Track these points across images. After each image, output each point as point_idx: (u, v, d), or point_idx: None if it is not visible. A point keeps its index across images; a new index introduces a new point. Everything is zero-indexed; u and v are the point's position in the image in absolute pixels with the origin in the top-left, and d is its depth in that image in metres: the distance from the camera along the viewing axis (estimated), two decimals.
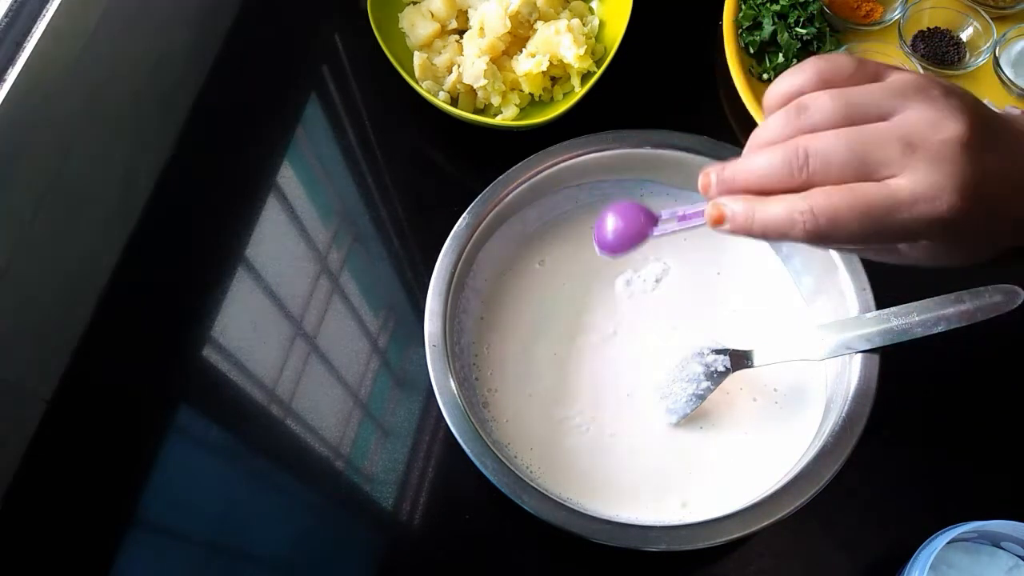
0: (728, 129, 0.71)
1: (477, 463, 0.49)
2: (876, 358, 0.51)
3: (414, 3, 0.74)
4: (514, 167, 0.58)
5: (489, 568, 0.56)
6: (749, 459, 0.54)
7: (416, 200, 0.70)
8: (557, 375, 0.57)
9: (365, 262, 0.67)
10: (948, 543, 0.49)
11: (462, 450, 0.49)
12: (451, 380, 0.52)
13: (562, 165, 0.59)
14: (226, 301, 0.65)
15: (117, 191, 0.67)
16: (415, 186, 0.70)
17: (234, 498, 0.59)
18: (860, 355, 0.51)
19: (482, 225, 0.57)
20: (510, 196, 0.58)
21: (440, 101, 0.68)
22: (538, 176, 0.59)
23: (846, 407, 0.50)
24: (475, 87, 0.68)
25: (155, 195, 0.69)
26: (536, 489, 0.49)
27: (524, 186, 0.59)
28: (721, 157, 0.58)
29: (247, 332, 0.64)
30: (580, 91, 0.69)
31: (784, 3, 0.73)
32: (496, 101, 0.69)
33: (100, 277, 0.65)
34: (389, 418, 0.60)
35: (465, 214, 0.57)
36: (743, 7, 0.74)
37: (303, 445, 0.60)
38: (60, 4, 0.59)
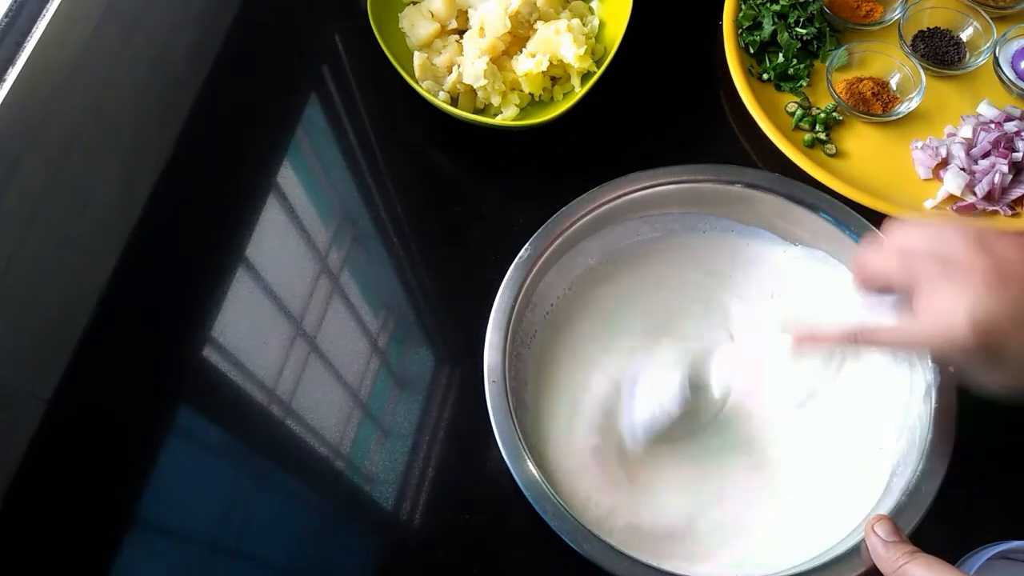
0: (728, 129, 0.71)
1: (537, 507, 0.49)
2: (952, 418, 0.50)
3: (414, 3, 0.74)
4: (577, 199, 0.58)
5: (489, 568, 0.56)
6: (810, 512, 0.52)
7: (416, 200, 0.70)
8: (611, 411, 0.56)
9: (365, 262, 0.67)
10: (989, 559, 0.48)
11: (463, 450, 0.49)
12: (511, 418, 0.51)
13: (626, 198, 0.58)
14: (226, 301, 0.65)
15: (117, 191, 0.67)
16: (415, 186, 0.70)
17: (234, 498, 0.59)
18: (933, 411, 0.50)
19: (543, 256, 0.57)
20: (572, 228, 0.57)
21: (440, 101, 0.68)
22: (601, 208, 0.58)
23: (920, 464, 0.49)
24: (475, 87, 0.68)
25: (155, 195, 0.69)
26: (597, 538, 0.48)
27: (587, 218, 0.58)
28: (792, 195, 0.58)
29: (247, 332, 0.64)
30: (580, 91, 0.69)
31: (784, 3, 0.73)
32: (496, 101, 0.69)
33: (100, 277, 0.65)
34: (389, 418, 0.60)
35: (527, 245, 0.56)
36: (743, 7, 0.74)
37: (303, 445, 0.60)
38: (60, 4, 0.59)
